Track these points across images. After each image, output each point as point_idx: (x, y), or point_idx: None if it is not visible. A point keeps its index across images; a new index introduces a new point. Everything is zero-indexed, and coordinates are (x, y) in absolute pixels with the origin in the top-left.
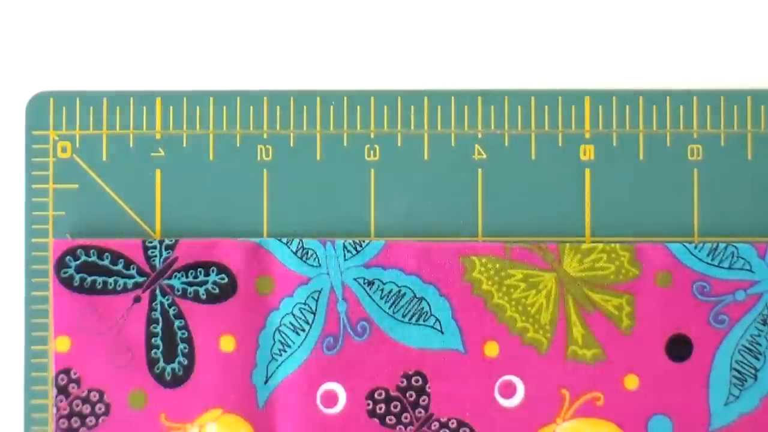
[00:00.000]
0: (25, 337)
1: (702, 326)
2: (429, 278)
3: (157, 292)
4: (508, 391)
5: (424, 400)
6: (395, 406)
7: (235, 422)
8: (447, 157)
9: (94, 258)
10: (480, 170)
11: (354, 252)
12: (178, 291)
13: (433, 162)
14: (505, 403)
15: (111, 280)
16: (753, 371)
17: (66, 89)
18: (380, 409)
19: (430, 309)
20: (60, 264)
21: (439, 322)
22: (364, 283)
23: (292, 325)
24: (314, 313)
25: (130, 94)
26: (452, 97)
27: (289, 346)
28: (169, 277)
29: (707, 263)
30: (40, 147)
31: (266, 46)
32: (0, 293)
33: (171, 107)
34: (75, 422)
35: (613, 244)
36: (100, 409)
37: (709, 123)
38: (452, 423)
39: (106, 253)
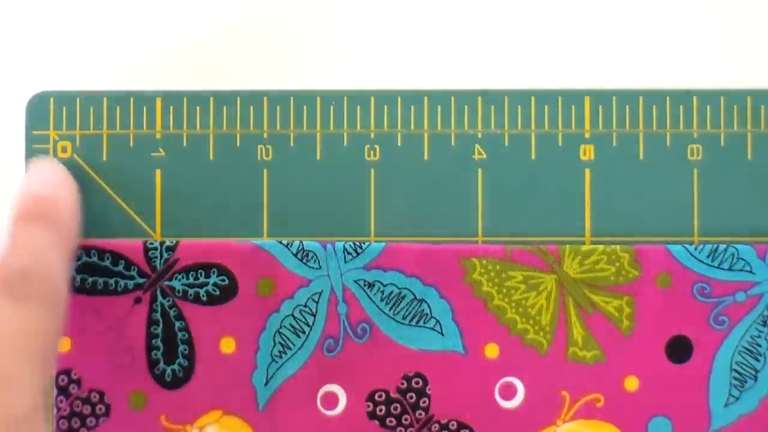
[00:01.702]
0: None
1: (702, 327)
2: (429, 280)
3: (158, 293)
4: (509, 392)
5: (424, 402)
6: (395, 408)
7: (235, 424)
8: (447, 157)
9: (94, 259)
10: (480, 170)
11: (354, 254)
12: (179, 292)
13: (433, 162)
14: (506, 404)
15: (112, 281)
16: (753, 372)
17: (66, 89)
18: (380, 410)
19: (430, 311)
20: None
21: (440, 324)
22: (365, 285)
23: (293, 327)
24: (314, 315)
25: (130, 94)
26: (452, 97)
27: (290, 348)
28: (170, 279)
29: (707, 264)
30: (40, 147)
31: (266, 46)
32: None
33: (171, 107)
34: (75, 423)
35: (613, 246)
36: (100, 409)
37: (709, 123)
38: (452, 424)
39: (107, 254)
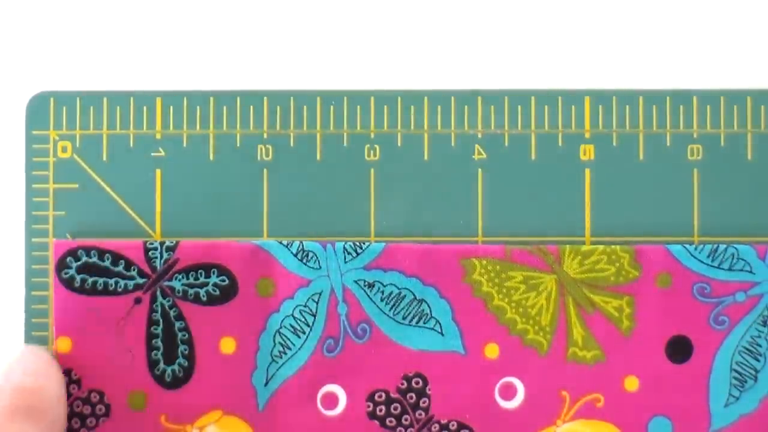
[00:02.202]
0: (25, 337)
1: (702, 327)
2: (429, 280)
3: (158, 293)
4: (509, 392)
5: (424, 402)
6: (395, 408)
7: (235, 424)
8: (447, 157)
9: (95, 259)
10: (480, 170)
11: (354, 254)
12: (179, 293)
13: (433, 162)
14: (506, 404)
15: (112, 281)
16: (753, 372)
17: (66, 89)
18: (380, 410)
19: (430, 311)
20: (61, 265)
21: (440, 324)
22: (365, 285)
23: (293, 327)
24: (314, 315)
25: (130, 94)
26: (452, 97)
27: (290, 348)
28: (170, 279)
29: (707, 264)
30: (40, 147)
31: (266, 46)
32: (0, 293)
33: (171, 107)
34: (75, 423)
35: (613, 246)
36: (100, 410)
37: (709, 123)
38: (452, 425)
39: (107, 254)
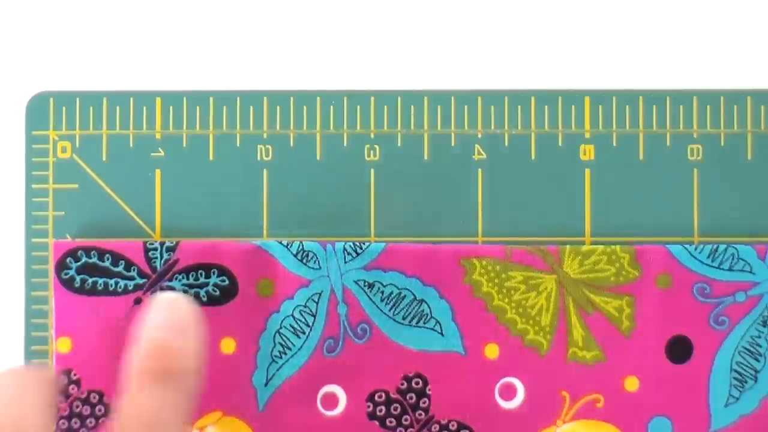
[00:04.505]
0: (25, 337)
1: (702, 328)
2: (429, 280)
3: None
4: (509, 393)
5: (424, 402)
6: (395, 409)
7: (236, 425)
8: (447, 157)
9: (94, 259)
10: (480, 170)
11: (354, 254)
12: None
13: (433, 162)
14: (506, 405)
15: (112, 281)
16: (753, 372)
17: (66, 89)
18: (380, 411)
19: (430, 311)
20: (61, 265)
21: (440, 324)
22: (365, 286)
23: (293, 327)
24: (314, 316)
25: (130, 94)
26: (452, 97)
27: (290, 349)
28: (170, 279)
29: (707, 265)
30: (40, 147)
31: (266, 46)
32: (0, 293)
33: (171, 107)
34: (75, 423)
35: (613, 246)
36: (99, 410)
37: (709, 123)
38: (452, 425)
39: (107, 255)
